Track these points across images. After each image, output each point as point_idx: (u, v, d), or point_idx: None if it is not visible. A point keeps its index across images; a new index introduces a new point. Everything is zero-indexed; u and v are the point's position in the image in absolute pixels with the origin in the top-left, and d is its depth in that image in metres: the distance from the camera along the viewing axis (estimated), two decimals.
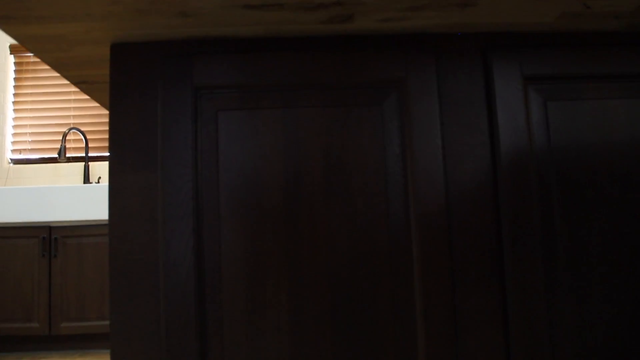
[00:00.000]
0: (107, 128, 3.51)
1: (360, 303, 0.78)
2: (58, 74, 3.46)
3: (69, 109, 3.52)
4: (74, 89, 3.50)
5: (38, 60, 3.55)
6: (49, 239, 2.85)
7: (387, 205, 0.79)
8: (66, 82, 3.49)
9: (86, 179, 3.35)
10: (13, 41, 3.57)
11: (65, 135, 3.24)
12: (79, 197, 2.83)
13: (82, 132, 3.35)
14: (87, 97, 3.52)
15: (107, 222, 2.86)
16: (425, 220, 0.78)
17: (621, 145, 0.82)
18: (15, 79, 3.54)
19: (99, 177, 3.39)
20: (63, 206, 2.83)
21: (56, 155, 3.37)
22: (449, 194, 0.80)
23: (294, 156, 0.79)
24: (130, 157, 0.80)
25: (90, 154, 3.43)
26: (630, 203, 0.81)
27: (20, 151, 3.47)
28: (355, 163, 0.79)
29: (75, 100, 3.52)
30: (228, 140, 0.79)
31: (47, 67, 3.55)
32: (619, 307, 0.79)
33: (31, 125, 3.50)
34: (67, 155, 3.38)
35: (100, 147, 3.49)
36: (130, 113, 0.81)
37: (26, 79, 3.55)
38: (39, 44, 0.82)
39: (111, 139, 0.80)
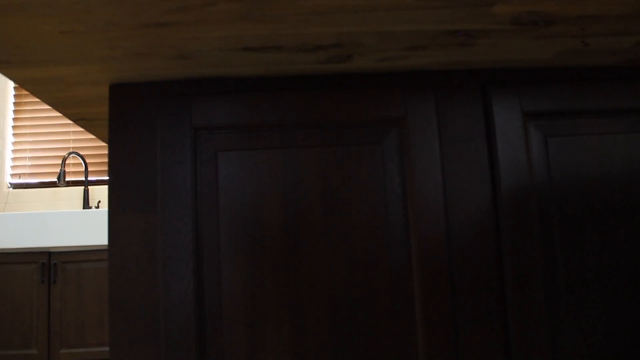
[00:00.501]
0: (107, 152, 3.51)
1: (361, 341, 0.77)
2: None
3: (68, 132, 3.53)
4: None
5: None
6: (48, 265, 2.83)
7: (388, 244, 0.78)
8: None
9: (86, 203, 3.34)
10: None
11: (64, 159, 3.24)
12: (79, 222, 2.82)
13: (82, 157, 3.35)
14: None
15: (107, 248, 2.84)
16: (426, 258, 0.77)
17: (622, 180, 0.82)
18: (15, 104, 3.55)
19: (99, 201, 3.39)
20: (62, 232, 2.82)
21: (55, 180, 3.37)
22: (450, 230, 0.79)
23: (293, 196, 0.79)
24: (129, 198, 0.80)
25: (89, 178, 3.43)
26: (633, 238, 0.80)
27: (19, 175, 3.47)
28: (356, 202, 0.79)
29: (75, 124, 3.52)
30: (228, 181, 0.79)
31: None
32: (623, 342, 0.78)
33: (31, 150, 3.50)
34: (67, 179, 3.38)
35: (99, 170, 3.49)
36: (129, 154, 0.80)
37: (26, 103, 3.56)
38: (38, 86, 0.82)
39: (111, 180, 0.80)
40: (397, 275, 0.78)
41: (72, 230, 2.81)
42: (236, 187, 0.79)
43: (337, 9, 0.62)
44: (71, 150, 3.36)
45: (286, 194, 0.79)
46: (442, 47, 0.74)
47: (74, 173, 3.46)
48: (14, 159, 3.49)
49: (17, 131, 3.52)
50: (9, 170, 3.48)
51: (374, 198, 0.79)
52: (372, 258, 0.78)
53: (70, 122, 3.52)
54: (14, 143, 3.51)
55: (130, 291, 0.78)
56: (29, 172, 3.48)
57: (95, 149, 3.50)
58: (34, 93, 0.84)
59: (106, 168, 3.49)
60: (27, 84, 0.80)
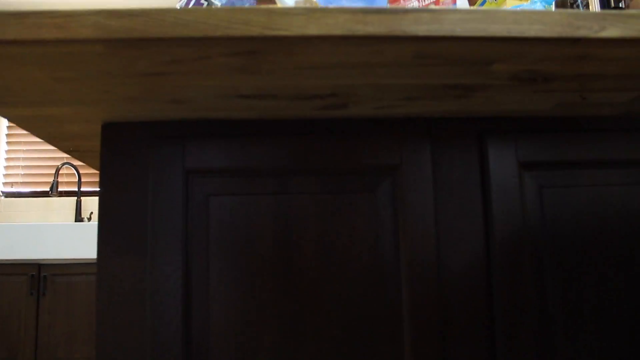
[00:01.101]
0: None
1: None
2: None
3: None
4: None
5: None
6: (38, 277, 2.80)
7: (380, 292, 0.77)
8: None
9: (78, 215, 3.31)
10: None
11: (58, 170, 3.22)
12: (70, 235, 2.80)
13: (75, 167, 3.33)
14: None
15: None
16: (418, 308, 0.76)
17: (617, 231, 0.81)
18: None
19: (91, 213, 3.36)
20: (53, 244, 2.80)
21: (48, 189, 3.34)
22: (442, 280, 0.79)
23: (286, 243, 0.78)
24: (119, 241, 0.78)
25: (82, 189, 3.41)
26: (628, 288, 0.80)
27: (12, 184, 3.44)
28: (349, 250, 0.78)
29: None
30: (220, 227, 0.78)
31: None
32: None
33: (24, 159, 3.48)
34: (60, 189, 3.35)
35: (92, 182, 3.47)
36: (120, 195, 0.79)
37: None
38: (30, 123, 0.81)
39: (101, 221, 0.79)
40: (389, 322, 0.77)
41: (63, 243, 2.79)
42: (228, 233, 0.78)
43: (334, 65, 0.61)
44: (65, 161, 3.34)
45: (279, 241, 0.78)
46: (439, 98, 0.73)
47: (67, 183, 3.44)
48: (7, 167, 3.46)
49: (10, 139, 3.50)
50: (1, 179, 3.45)
51: (367, 246, 0.78)
52: (364, 305, 0.77)
53: None
54: (8, 152, 3.49)
55: (118, 336, 0.76)
56: (21, 181, 3.45)
57: None
58: (26, 129, 0.83)
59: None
60: (18, 121, 0.79)
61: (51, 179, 3.36)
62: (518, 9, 0.54)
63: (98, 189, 3.37)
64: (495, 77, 0.66)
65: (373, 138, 0.79)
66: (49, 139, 0.90)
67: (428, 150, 0.80)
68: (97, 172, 3.43)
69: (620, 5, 1.56)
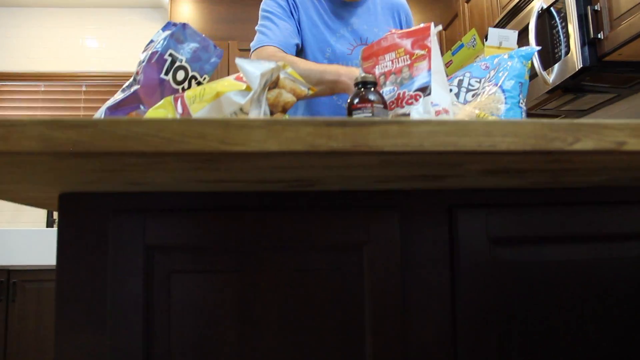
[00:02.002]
0: None
1: None
2: (24, 114, 3.37)
3: None
4: None
5: (3, 90, 3.45)
6: (7, 283, 2.75)
7: None
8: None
9: (50, 216, 3.25)
10: None
11: None
12: (40, 241, 2.75)
13: None
14: None
15: None
16: None
17: (590, 307, 0.80)
18: None
19: None
20: (23, 250, 2.74)
21: None
22: (408, 356, 0.77)
23: (249, 321, 0.75)
24: (77, 316, 0.75)
25: None
26: None
27: None
28: (313, 328, 0.76)
29: None
30: (181, 304, 0.75)
31: (11, 97, 3.45)
32: None
33: None
34: None
35: None
36: (78, 268, 0.76)
37: None
38: None
39: (57, 295, 0.75)
40: None
41: (34, 249, 2.73)
42: (190, 310, 0.75)
43: (298, 166, 0.58)
44: None
45: (241, 318, 0.75)
46: (407, 180, 0.71)
47: None
48: None
49: None
50: None
51: (332, 323, 0.76)
52: None
53: None
54: None
55: None
56: None
57: None
58: None
59: None
60: None
61: None
62: (490, 120, 0.52)
63: None
64: (466, 171, 0.64)
65: (340, 212, 0.77)
66: (11, 200, 0.86)
67: (396, 224, 0.77)
68: None
69: (599, 37, 1.54)
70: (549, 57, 1.71)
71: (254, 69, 0.72)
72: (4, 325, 2.71)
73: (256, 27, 1.37)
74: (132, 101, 0.85)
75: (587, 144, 0.55)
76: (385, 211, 0.78)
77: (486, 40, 1.04)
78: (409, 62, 0.84)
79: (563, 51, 1.63)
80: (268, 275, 0.76)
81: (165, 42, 0.86)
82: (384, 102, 0.80)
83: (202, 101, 0.77)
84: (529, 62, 0.96)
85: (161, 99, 0.87)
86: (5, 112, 3.45)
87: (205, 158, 0.53)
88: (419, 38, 0.83)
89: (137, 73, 0.88)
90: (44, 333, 2.71)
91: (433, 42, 0.83)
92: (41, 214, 3.33)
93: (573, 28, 1.59)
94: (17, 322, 2.73)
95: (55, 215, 3.29)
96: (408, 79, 0.83)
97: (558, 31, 1.66)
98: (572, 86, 1.69)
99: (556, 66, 1.67)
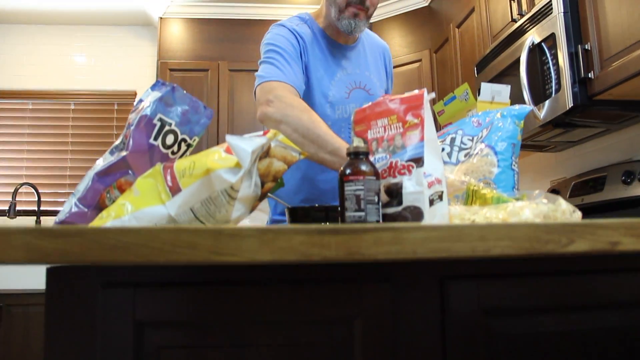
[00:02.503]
0: (60, 182, 3.39)
1: None
2: (11, 132, 3.33)
3: (20, 167, 3.40)
4: (27, 147, 3.37)
5: None
6: None
7: None
8: (20, 139, 3.37)
9: None
10: None
11: (16, 190, 3.11)
12: (27, 265, 2.72)
13: (35, 187, 3.23)
14: (40, 151, 3.40)
15: None
16: None
17: None
18: None
19: None
20: (10, 274, 2.71)
21: (6, 208, 3.22)
22: None
23: None
24: None
25: (42, 208, 3.30)
26: None
27: None
28: None
29: (27, 159, 3.40)
30: None
31: None
32: None
33: None
34: (19, 208, 3.23)
35: (53, 201, 3.37)
36: (66, 345, 0.74)
37: None
38: None
39: None
40: None
41: (21, 273, 2.70)
42: None
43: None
44: (24, 181, 3.24)
45: None
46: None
47: (26, 202, 3.33)
48: None
49: None
50: None
51: None
52: None
53: (24, 156, 3.39)
54: None
55: None
56: None
57: (48, 178, 3.38)
58: None
59: (60, 199, 3.37)
60: None
61: (9, 197, 3.23)
62: (483, 224, 0.52)
63: (58, 209, 3.27)
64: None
65: (330, 286, 0.76)
66: None
67: (388, 297, 0.77)
68: (58, 191, 3.34)
69: (590, 76, 1.55)
70: (539, 92, 1.72)
71: (245, 146, 0.72)
72: None
73: (265, 57, 1.35)
74: (121, 167, 0.84)
75: (581, 245, 0.54)
76: (376, 284, 0.77)
77: (478, 94, 1.04)
78: (401, 130, 0.83)
79: (554, 88, 1.64)
80: (258, 350, 0.75)
81: (154, 107, 0.85)
82: (376, 172, 0.80)
83: (192, 176, 0.76)
84: (522, 122, 0.96)
85: (150, 164, 0.86)
86: None
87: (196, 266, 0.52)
88: (412, 105, 0.83)
89: (125, 136, 0.87)
90: (30, 358, 2.68)
91: (426, 110, 0.83)
92: None
93: (564, 65, 1.60)
94: (3, 347, 2.70)
95: None
96: (400, 148, 0.82)
97: (549, 67, 1.67)
98: (562, 122, 1.70)
99: (547, 102, 1.68)
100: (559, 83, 1.62)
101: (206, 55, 3.22)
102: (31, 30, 3.51)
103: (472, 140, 0.98)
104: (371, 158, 0.85)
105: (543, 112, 1.71)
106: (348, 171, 0.80)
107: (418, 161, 0.81)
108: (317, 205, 1.05)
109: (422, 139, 0.81)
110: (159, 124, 0.85)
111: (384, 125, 0.85)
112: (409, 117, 0.83)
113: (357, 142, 0.83)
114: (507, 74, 1.95)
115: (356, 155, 0.81)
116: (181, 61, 3.20)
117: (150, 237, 0.49)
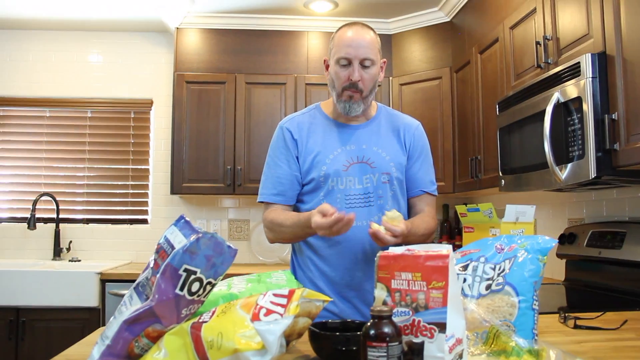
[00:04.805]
0: (77, 190, 3.41)
1: None
2: (29, 139, 3.34)
3: (39, 175, 3.42)
4: (45, 154, 3.38)
5: (4, 122, 3.42)
6: (16, 322, 2.78)
7: None
8: (38, 147, 3.38)
9: (57, 246, 3.27)
10: None
11: (35, 202, 3.15)
12: (49, 280, 2.77)
13: (53, 197, 3.26)
14: (57, 159, 3.41)
15: (76, 307, 2.79)
16: None
17: None
18: None
19: (70, 242, 3.32)
20: (31, 290, 2.77)
21: (27, 216, 3.26)
22: None
23: None
24: None
25: (60, 216, 3.34)
26: None
27: None
28: None
29: (46, 167, 3.41)
30: None
31: (16, 122, 3.43)
32: None
33: (2, 192, 3.40)
34: (37, 216, 3.27)
35: (71, 209, 3.40)
36: None
37: None
38: None
39: None
40: None
41: (42, 288, 2.75)
42: None
43: None
44: (43, 191, 3.27)
45: None
46: None
47: (45, 210, 3.37)
48: None
49: None
50: None
51: None
52: None
53: (42, 164, 3.41)
54: None
55: None
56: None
57: (65, 187, 3.41)
58: None
59: (78, 207, 3.40)
60: None
61: (29, 205, 3.27)
62: None
63: (77, 217, 3.31)
64: None
65: None
66: None
67: None
68: (75, 199, 3.36)
69: (615, 148, 1.52)
70: (562, 153, 1.69)
71: (270, 334, 0.73)
72: None
73: (266, 162, 1.56)
74: (149, 316, 0.85)
75: None
76: None
77: (503, 216, 1.03)
78: (425, 289, 0.83)
79: (577, 153, 1.61)
80: None
81: (179, 257, 0.85)
82: (398, 334, 0.80)
83: (220, 351, 0.78)
84: (545, 257, 0.95)
85: (177, 311, 0.87)
86: (9, 138, 3.44)
87: None
88: (437, 267, 0.83)
89: (151, 282, 0.88)
90: None
91: (451, 270, 0.83)
92: (48, 238, 3.33)
93: (589, 132, 1.56)
94: None
95: (62, 241, 3.30)
96: (424, 308, 0.83)
97: (574, 130, 1.63)
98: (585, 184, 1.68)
99: (569, 166, 1.65)
100: (582, 149, 1.59)
101: (223, 67, 3.18)
102: (46, 35, 3.48)
103: (493, 269, 0.98)
104: (394, 310, 0.85)
105: (565, 174, 1.68)
106: (372, 333, 0.80)
107: (441, 326, 0.81)
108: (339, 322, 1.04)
109: (445, 304, 0.81)
110: (184, 274, 0.85)
111: (408, 279, 0.85)
112: (434, 278, 0.83)
113: (379, 295, 0.84)
114: (530, 122, 1.91)
115: (380, 318, 0.81)
116: (198, 73, 3.17)
117: None
